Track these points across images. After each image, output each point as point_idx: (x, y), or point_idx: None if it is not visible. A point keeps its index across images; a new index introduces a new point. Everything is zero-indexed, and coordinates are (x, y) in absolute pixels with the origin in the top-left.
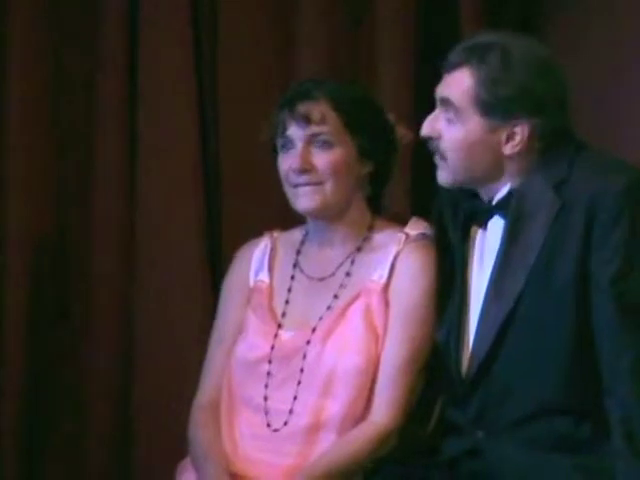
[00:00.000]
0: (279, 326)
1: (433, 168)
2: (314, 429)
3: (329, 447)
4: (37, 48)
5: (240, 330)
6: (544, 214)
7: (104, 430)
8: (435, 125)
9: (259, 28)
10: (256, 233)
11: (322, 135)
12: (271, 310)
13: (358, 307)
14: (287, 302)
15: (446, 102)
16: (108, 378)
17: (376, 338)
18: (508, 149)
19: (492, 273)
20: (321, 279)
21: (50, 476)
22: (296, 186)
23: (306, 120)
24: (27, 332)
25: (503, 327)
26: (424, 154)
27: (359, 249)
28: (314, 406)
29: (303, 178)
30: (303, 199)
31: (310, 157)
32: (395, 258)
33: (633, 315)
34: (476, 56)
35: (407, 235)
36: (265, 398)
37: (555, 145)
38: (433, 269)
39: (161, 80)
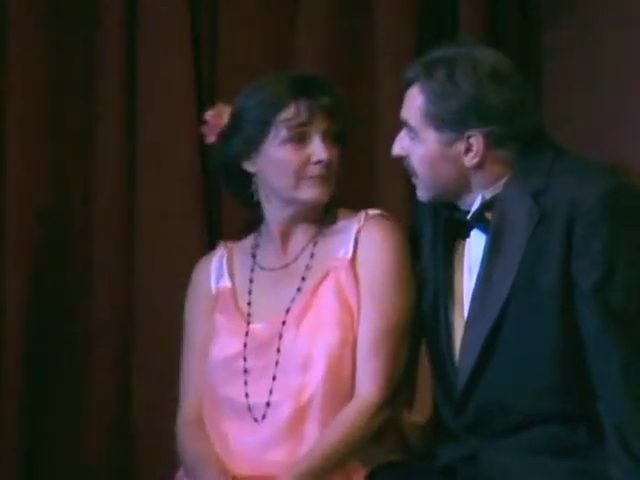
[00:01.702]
0: (248, 323)
1: None
2: (296, 418)
3: (323, 431)
4: (37, 46)
5: (209, 338)
6: (524, 225)
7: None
8: (402, 144)
9: (258, 30)
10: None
11: (337, 130)
12: (238, 309)
13: (328, 285)
14: (251, 297)
15: (405, 122)
16: (107, 372)
17: (350, 312)
18: (468, 161)
19: (475, 286)
20: (285, 266)
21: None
22: (311, 177)
23: (330, 113)
24: (26, 322)
25: (488, 340)
26: None
27: (320, 231)
28: (294, 389)
29: (323, 170)
30: (316, 190)
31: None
32: (357, 233)
33: (617, 321)
34: (424, 72)
35: (367, 214)
36: (246, 395)
37: (528, 152)
38: (397, 239)
39: (160, 78)
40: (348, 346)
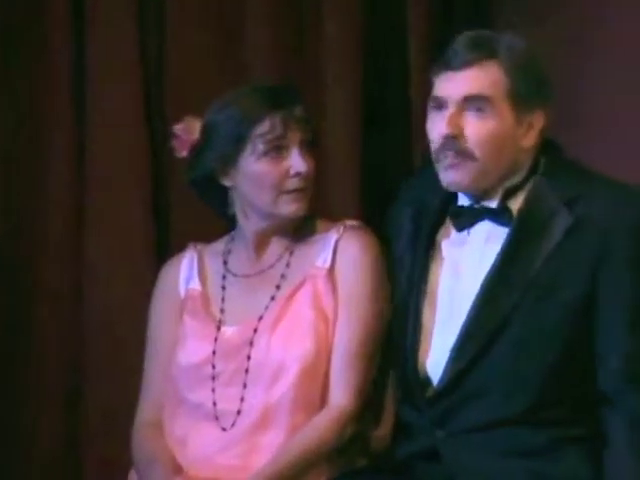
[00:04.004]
0: (218, 328)
1: (381, 174)
2: (262, 421)
3: (292, 437)
4: None
5: (176, 341)
6: (555, 230)
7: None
8: (458, 123)
9: (205, 30)
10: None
11: (311, 139)
12: (209, 314)
13: (305, 293)
14: (224, 304)
15: (476, 97)
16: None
17: (326, 322)
18: (527, 140)
19: (486, 280)
20: (259, 273)
21: None
22: (289, 192)
23: (304, 123)
24: None
25: (490, 339)
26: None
27: (296, 240)
28: (264, 397)
29: (302, 182)
30: (295, 204)
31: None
32: (336, 243)
33: None
34: (502, 48)
35: (345, 224)
36: (214, 403)
37: (547, 149)
38: (375, 252)
39: (109, 79)
40: (322, 356)
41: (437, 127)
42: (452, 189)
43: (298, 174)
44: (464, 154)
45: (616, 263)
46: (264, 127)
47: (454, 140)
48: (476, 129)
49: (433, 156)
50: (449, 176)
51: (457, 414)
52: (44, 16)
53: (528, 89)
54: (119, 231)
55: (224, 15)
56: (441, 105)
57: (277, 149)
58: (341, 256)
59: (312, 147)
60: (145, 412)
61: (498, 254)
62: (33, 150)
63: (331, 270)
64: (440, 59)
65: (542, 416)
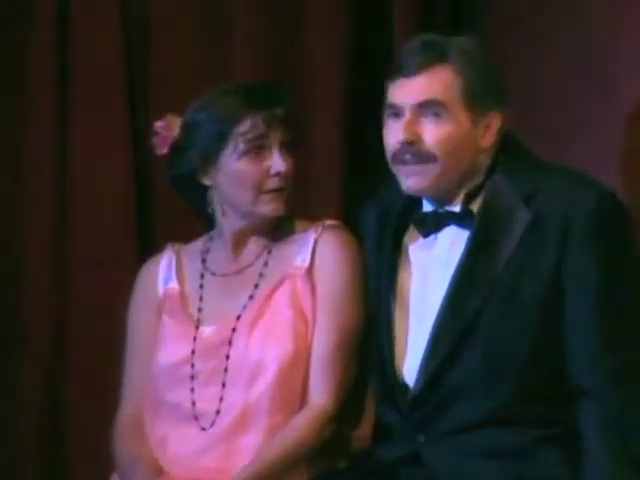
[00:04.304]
0: (197, 328)
1: (366, 174)
2: (241, 421)
3: (272, 438)
4: None
5: (155, 340)
6: (515, 228)
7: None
8: (415, 129)
9: (190, 29)
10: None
11: (294, 139)
12: (187, 314)
13: (283, 292)
14: (202, 303)
15: (430, 103)
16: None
17: (305, 321)
18: (486, 141)
19: (452, 282)
20: (237, 272)
21: None
22: (268, 192)
23: (286, 123)
24: None
25: (459, 341)
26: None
27: (274, 240)
28: (242, 397)
29: (282, 182)
30: (275, 204)
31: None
32: (315, 243)
33: (614, 319)
34: (453, 51)
35: (324, 224)
36: (193, 403)
37: (506, 147)
38: (354, 251)
39: (92, 76)
40: (301, 356)
41: (395, 134)
42: (413, 194)
43: (278, 174)
44: (424, 157)
45: (578, 251)
46: (245, 126)
47: (412, 146)
48: (434, 134)
49: (391, 163)
50: (409, 181)
51: (437, 417)
52: (27, 17)
53: (482, 90)
54: (101, 228)
55: (208, 11)
56: (397, 112)
57: (258, 149)
58: (320, 255)
59: (293, 148)
60: (126, 413)
61: (461, 256)
62: (14, 147)
63: (310, 269)
64: (393, 65)
65: (521, 414)
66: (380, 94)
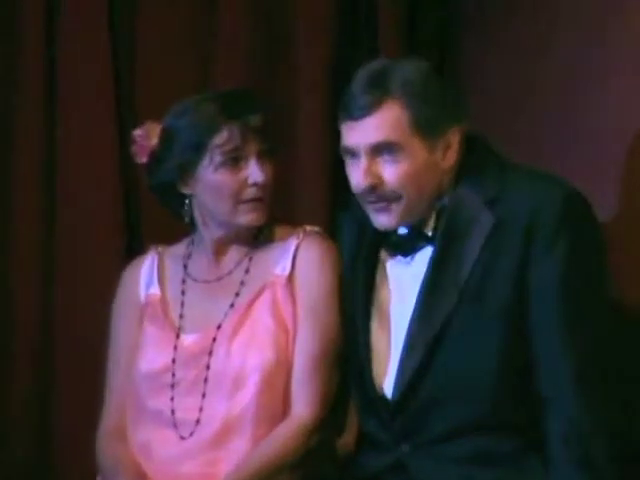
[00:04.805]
0: (178, 336)
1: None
2: (224, 432)
3: (255, 447)
4: None
5: (137, 347)
6: (478, 232)
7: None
8: (374, 171)
9: (176, 33)
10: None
11: (271, 147)
12: (168, 320)
13: (264, 301)
14: (183, 309)
15: (383, 144)
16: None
17: (285, 331)
18: (447, 161)
19: (420, 293)
20: (218, 279)
21: None
22: (247, 201)
23: (262, 133)
24: None
25: (431, 348)
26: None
27: (255, 247)
28: (224, 408)
29: (260, 192)
30: (253, 214)
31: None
32: (296, 250)
33: (575, 322)
34: (396, 84)
35: (305, 230)
36: (172, 412)
37: (471, 157)
38: (335, 258)
39: (80, 87)
40: (282, 366)
41: (356, 177)
42: (383, 229)
43: (255, 184)
44: (388, 199)
45: (542, 252)
46: (221, 138)
47: (376, 189)
48: (393, 174)
49: (359, 199)
50: (378, 219)
51: (419, 427)
52: (16, 14)
53: (433, 115)
54: (89, 227)
55: (194, 11)
56: (353, 154)
57: (235, 160)
58: (300, 262)
59: (271, 156)
60: (108, 418)
61: (428, 265)
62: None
63: (290, 277)
64: (340, 105)
65: (501, 420)
66: None
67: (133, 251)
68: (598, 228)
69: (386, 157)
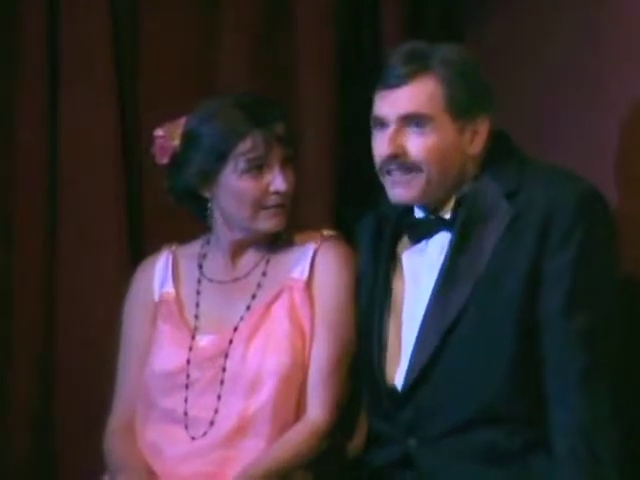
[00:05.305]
0: (193, 337)
1: (356, 185)
2: (237, 432)
3: (269, 448)
4: None
5: (151, 346)
6: (496, 223)
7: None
8: (399, 141)
9: (181, 29)
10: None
11: (292, 155)
12: (183, 320)
13: (282, 304)
14: (199, 310)
15: (414, 115)
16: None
17: (302, 334)
18: (474, 148)
19: (436, 283)
20: (234, 280)
21: None
22: (269, 207)
23: (285, 141)
24: None
25: (445, 338)
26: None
27: (272, 249)
28: (239, 409)
29: (281, 199)
30: (274, 220)
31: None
32: (314, 254)
33: (587, 316)
34: (436, 60)
35: (322, 234)
36: (185, 412)
37: (494, 149)
38: (353, 263)
39: (81, 87)
40: (298, 369)
41: (380, 146)
42: (400, 203)
43: (278, 192)
44: (410, 169)
45: (557, 246)
46: (246, 145)
47: (397, 158)
48: (418, 146)
49: (378, 173)
50: (397, 192)
51: (426, 420)
52: (18, 10)
53: (467, 98)
54: (91, 229)
55: (199, 14)
56: (382, 124)
57: (258, 167)
58: (319, 267)
59: (292, 163)
60: (118, 416)
61: (445, 256)
62: (1, 146)
63: (309, 282)
64: (378, 76)
65: (511, 414)
66: (368, 109)
67: (135, 251)
68: (613, 226)
69: (414, 129)
